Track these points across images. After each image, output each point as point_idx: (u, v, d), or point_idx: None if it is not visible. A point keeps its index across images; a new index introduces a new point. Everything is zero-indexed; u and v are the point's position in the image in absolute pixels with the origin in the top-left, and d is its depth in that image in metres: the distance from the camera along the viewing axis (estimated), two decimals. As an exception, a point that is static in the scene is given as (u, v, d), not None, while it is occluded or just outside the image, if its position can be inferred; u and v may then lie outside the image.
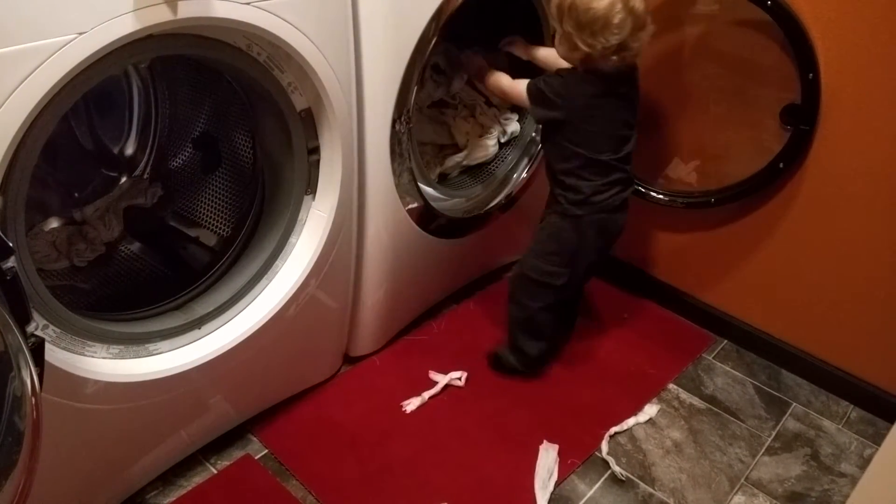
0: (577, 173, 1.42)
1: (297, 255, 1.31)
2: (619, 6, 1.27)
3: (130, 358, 1.14)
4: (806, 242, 1.61)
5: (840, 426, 1.59)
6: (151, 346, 1.17)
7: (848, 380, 1.64)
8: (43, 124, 0.89)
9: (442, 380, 1.57)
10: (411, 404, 1.51)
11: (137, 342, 1.16)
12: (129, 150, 1.54)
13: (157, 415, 1.21)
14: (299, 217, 1.30)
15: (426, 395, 1.54)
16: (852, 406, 1.63)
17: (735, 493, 1.40)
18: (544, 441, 1.45)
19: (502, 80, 1.52)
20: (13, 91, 0.83)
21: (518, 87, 1.46)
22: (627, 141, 1.43)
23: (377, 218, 1.45)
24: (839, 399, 1.65)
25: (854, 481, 1.46)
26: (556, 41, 1.38)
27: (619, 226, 1.49)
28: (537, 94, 1.41)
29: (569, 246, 1.47)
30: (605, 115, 1.39)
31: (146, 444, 1.24)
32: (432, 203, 1.55)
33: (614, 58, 1.32)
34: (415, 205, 1.50)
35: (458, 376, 1.59)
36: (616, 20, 1.27)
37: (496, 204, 1.73)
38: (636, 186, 1.73)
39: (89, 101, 1.47)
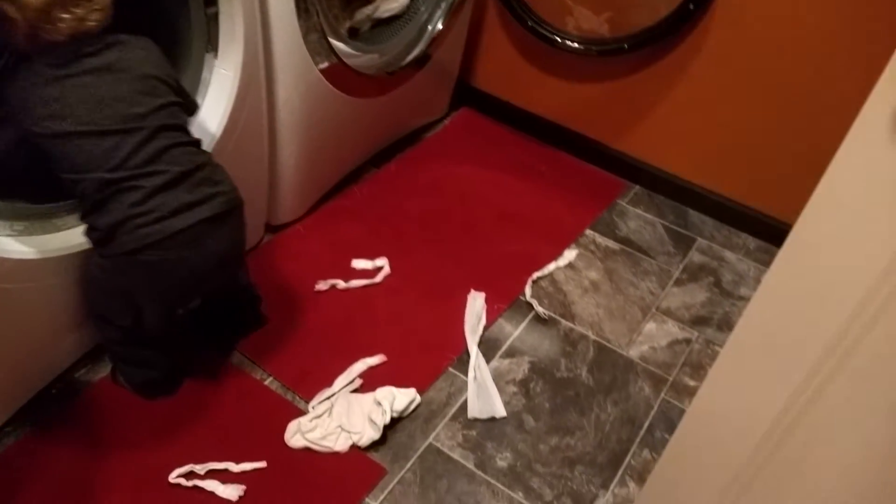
0: None
1: (205, 117, 1.25)
2: None
3: (38, 234, 1.09)
4: (712, 85, 1.66)
5: (740, 256, 1.71)
6: (58, 221, 1.12)
7: (747, 213, 1.75)
8: None
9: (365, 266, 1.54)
10: (338, 285, 1.49)
11: (42, 218, 1.10)
12: None
13: (74, 292, 1.17)
14: (202, 76, 1.23)
15: (353, 283, 1.50)
16: (751, 237, 1.76)
17: (647, 322, 1.52)
18: (472, 290, 1.51)
19: None
20: None
21: None
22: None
23: (287, 77, 1.38)
24: (739, 232, 1.77)
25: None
26: None
27: None
28: None
29: None
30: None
31: (68, 322, 1.21)
32: (345, 60, 1.48)
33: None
34: (327, 63, 1.44)
35: (381, 265, 1.54)
36: None
37: (412, 59, 1.68)
38: (549, 34, 1.71)
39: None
